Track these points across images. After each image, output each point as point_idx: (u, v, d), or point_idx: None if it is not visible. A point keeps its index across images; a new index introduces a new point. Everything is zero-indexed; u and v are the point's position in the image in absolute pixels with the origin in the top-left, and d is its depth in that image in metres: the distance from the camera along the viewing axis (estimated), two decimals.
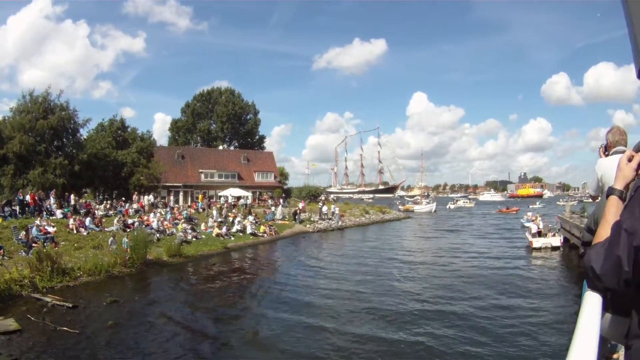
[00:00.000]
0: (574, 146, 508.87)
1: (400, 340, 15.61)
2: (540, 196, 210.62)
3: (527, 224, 49.78)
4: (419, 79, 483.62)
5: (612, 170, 2.73)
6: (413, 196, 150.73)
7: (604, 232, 1.95)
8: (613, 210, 2.08)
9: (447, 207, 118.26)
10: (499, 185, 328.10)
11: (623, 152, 4.18)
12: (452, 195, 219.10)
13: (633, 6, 4.43)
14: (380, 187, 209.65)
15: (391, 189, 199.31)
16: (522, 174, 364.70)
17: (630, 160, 2.30)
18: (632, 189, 1.99)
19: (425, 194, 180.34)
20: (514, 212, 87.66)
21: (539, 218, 44.39)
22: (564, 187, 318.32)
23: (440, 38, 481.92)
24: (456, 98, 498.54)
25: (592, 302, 1.85)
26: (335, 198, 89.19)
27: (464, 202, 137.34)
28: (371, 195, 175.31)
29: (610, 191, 2.27)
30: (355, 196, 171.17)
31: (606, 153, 5.02)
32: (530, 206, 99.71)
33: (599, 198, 4.72)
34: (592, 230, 3.12)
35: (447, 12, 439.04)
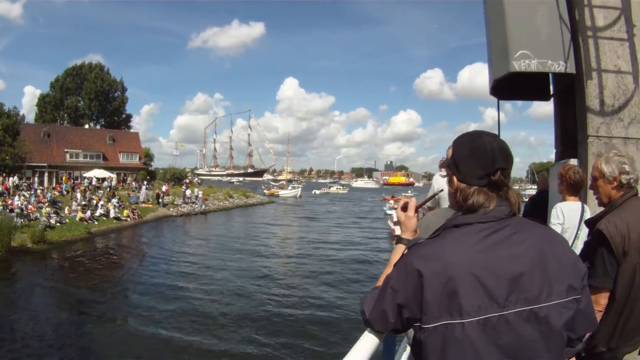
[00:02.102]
0: (442, 138, 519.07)
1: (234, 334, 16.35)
2: (412, 184, 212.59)
3: (389, 212, 51.03)
4: (293, 65, 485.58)
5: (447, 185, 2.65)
6: (278, 180, 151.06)
7: (385, 276, 2.00)
8: (397, 258, 2.02)
9: (313, 192, 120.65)
10: (365, 172, 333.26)
11: None
12: (324, 181, 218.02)
13: (491, 37, 7.04)
14: (249, 170, 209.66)
15: (260, 173, 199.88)
16: (389, 162, 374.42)
17: (404, 209, 2.42)
18: (407, 247, 1.98)
19: (295, 178, 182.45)
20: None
21: None
22: (430, 177, 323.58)
23: (318, 25, 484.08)
24: (328, 86, 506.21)
25: (365, 342, 1.97)
26: (199, 181, 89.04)
27: (337, 188, 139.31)
28: (241, 179, 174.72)
29: (398, 240, 2.38)
30: (224, 179, 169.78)
31: None
32: (403, 194, 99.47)
33: (436, 208, 4.78)
34: None
35: (329, 1, 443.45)
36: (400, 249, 2.28)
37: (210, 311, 18.61)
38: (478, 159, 1.88)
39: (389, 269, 2.05)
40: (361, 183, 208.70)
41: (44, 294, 21.06)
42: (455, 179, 1.97)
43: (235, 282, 22.97)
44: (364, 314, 1.98)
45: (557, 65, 5.54)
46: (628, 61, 5.60)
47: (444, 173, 2.15)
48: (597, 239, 3.16)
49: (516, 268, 1.74)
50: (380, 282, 2.05)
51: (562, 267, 1.81)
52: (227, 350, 15.07)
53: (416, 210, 2.45)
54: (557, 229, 4.85)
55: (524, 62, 5.53)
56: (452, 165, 2.00)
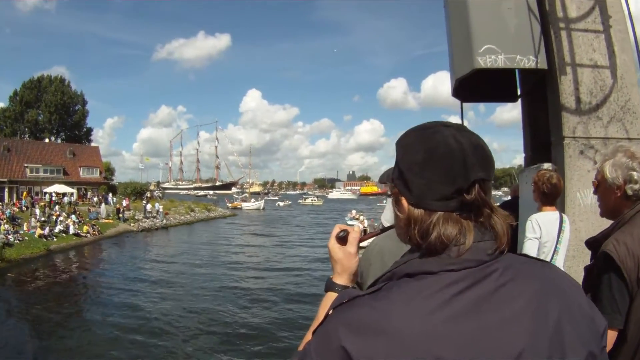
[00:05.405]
0: None
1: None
2: (386, 194, 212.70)
3: (350, 222, 47.00)
4: (256, 76, 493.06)
5: None
6: (241, 193, 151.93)
7: (309, 335, 1.35)
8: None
9: (277, 204, 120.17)
10: (327, 183, 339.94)
11: None
12: (294, 193, 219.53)
13: (452, 32, 6.63)
14: (218, 183, 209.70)
15: (228, 185, 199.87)
16: (351, 172, 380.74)
17: (343, 240, 1.65)
18: (334, 304, 1.24)
19: (266, 191, 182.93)
20: None
21: (363, 216, 44.76)
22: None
23: (282, 37, 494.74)
24: (292, 97, 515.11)
25: None
26: (160, 195, 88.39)
27: (312, 200, 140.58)
28: (211, 192, 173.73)
29: (329, 286, 1.65)
30: (192, 192, 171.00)
31: None
32: (379, 204, 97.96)
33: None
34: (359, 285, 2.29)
35: (292, 11, 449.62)
36: (330, 300, 1.38)
37: (167, 329, 18.19)
38: (440, 168, 1.18)
39: (316, 323, 1.38)
40: (337, 194, 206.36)
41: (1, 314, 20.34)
42: (404, 201, 1.27)
43: (193, 301, 22.46)
44: None
45: (527, 61, 5.04)
46: (605, 54, 5.21)
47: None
48: (603, 264, 2.39)
49: (511, 342, 1.09)
50: (307, 337, 1.37)
51: (578, 329, 1.15)
52: None
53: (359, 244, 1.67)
54: (534, 243, 4.31)
55: (490, 58, 5.00)
56: (398, 180, 1.29)
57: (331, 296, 1.56)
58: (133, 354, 15.60)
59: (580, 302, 1.21)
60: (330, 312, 1.22)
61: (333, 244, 1.66)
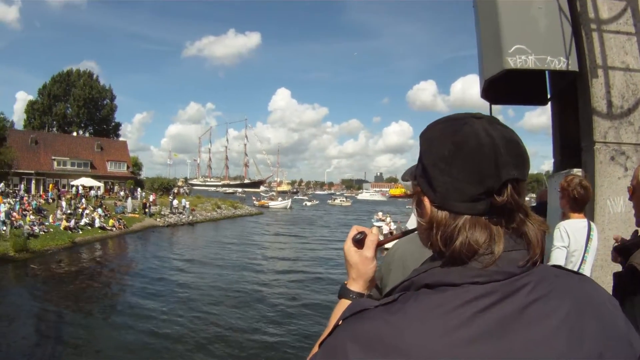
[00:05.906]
0: None
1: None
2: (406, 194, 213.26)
3: (377, 224, 46.91)
4: (286, 75, 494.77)
5: None
6: (268, 191, 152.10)
7: (316, 347, 1.18)
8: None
9: (304, 204, 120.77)
10: (355, 184, 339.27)
11: None
12: (322, 193, 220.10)
13: (481, 32, 6.56)
14: (246, 181, 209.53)
15: (257, 184, 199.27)
16: (379, 173, 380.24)
17: (360, 242, 1.49)
18: (344, 315, 1.09)
19: (294, 190, 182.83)
20: None
21: (389, 218, 44.24)
22: None
23: (313, 37, 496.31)
24: (321, 97, 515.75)
25: None
26: (187, 191, 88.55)
27: (340, 200, 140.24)
28: (240, 190, 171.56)
29: (343, 293, 1.51)
30: (220, 189, 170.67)
31: None
32: (407, 207, 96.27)
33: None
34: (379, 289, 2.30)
35: (321, 12, 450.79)
36: (343, 308, 1.17)
37: (181, 333, 17.83)
38: (468, 165, 1.04)
39: (326, 333, 1.17)
40: (366, 195, 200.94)
41: (21, 304, 20.50)
42: (427, 201, 1.12)
43: (209, 305, 21.88)
44: None
45: (558, 62, 4.87)
46: (637, 57, 5.06)
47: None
48: (630, 277, 2.20)
49: None
50: (315, 350, 1.19)
51: (616, 356, 1.01)
52: None
53: (377, 248, 1.51)
54: (562, 252, 4.10)
55: (520, 58, 4.85)
56: (421, 178, 1.15)
57: (344, 304, 1.40)
58: (143, 355, 15.46)
59: (618, 324, 1.07)
60: (340, 323, 1.10)
61: (349, 246, 1.51)
